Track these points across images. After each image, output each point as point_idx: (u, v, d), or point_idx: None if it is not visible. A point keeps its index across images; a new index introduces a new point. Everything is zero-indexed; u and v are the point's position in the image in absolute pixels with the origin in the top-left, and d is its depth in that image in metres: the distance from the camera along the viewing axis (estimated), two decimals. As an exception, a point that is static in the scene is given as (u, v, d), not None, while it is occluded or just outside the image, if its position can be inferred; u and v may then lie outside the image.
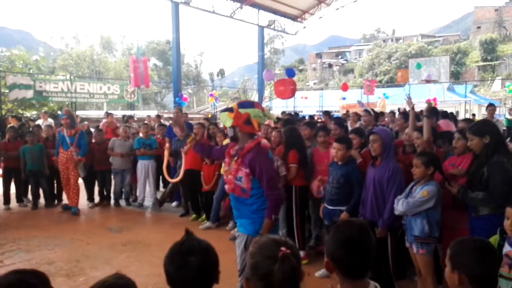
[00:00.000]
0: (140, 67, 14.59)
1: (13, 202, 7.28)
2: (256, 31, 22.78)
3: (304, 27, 25.06)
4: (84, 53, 34.92)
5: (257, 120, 2.77)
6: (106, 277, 1.45)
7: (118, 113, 15.97)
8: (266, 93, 26.10)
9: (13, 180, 7.24)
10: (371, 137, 3.57)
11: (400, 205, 3.17)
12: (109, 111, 11.89)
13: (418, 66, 25.53)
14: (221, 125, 5.76)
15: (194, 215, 6.37)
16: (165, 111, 25.53)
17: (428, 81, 23.54)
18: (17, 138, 7.36)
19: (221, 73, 57.07)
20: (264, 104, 20.33)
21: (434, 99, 17.54)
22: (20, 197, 7.38)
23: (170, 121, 9.81)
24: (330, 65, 61.79)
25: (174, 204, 7.22)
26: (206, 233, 5.54)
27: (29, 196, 7.37)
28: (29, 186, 7.30)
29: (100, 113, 19.20)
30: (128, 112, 15.35)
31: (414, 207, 3.09)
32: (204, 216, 6.16)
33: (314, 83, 56.72)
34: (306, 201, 4.63)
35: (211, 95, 20.26)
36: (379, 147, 3.49)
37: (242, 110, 2.77)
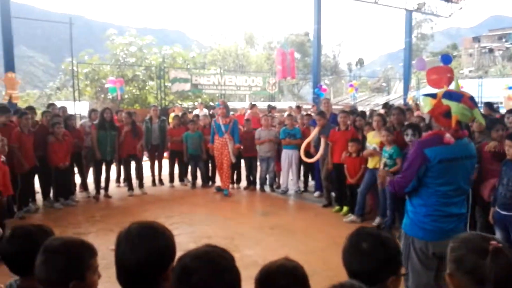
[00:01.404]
0: (287, 59, 15.16)
1: (176, 181, 8.47)
2: (403, 16, 21.33)
3: (460, 8, 22.43)
4: (229, 49, 37.79)
5: (457, 117, 2.44)
6: (276, 260, 1.52)
7: (260, 104, 16.96)
8: (413, 82, 24.31)
9: (176, 162, 8.42)
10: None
11: None
12: (252, 102, 12.74)
13: None
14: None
15: (337, 207, 6.43)
16: (304, 102, 26.00)
17: None
18: (180, 125, 8.48)
19: (360, 62, 55.29)
20: (410, 94, 18.98)
21: None
22: (182, 177, 8.52)
23: (311, 111, 10.02)
24: (490, 50, 54.09)
25: (316, 194, 7.40)
26: (351, 227, 5.54)
27: (189, 176, 8.47)
28: (189, 168, 8.40)
29: (243, 105, 20.71)
30: (271, 103, 16.14)
31: None
32: (346, 208, 6.17)
33: (470, 71, 50.44)
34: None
35: (351, 85, 19.84)
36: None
37: (444, 101, 2.47)
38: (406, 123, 5.44)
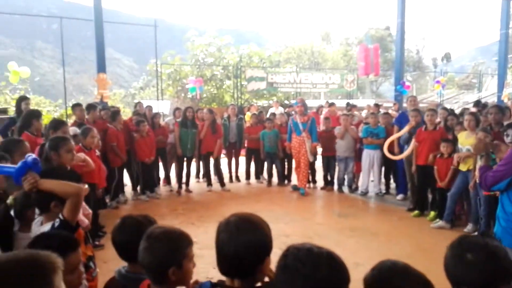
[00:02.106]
0: (371, 55, 14.73)
1: (252, 178, 8.65)
2: (498, 5, 19.51)
3: None
4: (304, 46, 37.61)
5: None
6: (384, 260, 1.49)
7: (337, 102, 16.66)
8: (508, 78, 22.18)
9: (253, 159, 8.60)
10: None
11: None
12: (329, 100, 12.56)
13: None
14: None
15: (416, 211, 6.11)
16: (384, 100, 25.01)
17: None
18: (258, 123, 8.64)
19: (447, 57, 51.67)
20: (506, 92, 17.32)
21: None
22: (258, 174, 8.69)
23: (392, 110, 9.61)
24: None
25: (399, 197, 7.09)
26: (439, 233, 5.24)
27: (265, 174, 8.60)
28: (265, 166, 8.52)
29: (317, 103, 20.49)
30: (350, 101, 15.78)
31: None
32: (433, 213, 5.83)
33: None
34: None
35: (437, 82, 18.65)
36: None
37: None
38: (505, 123, 5.00)
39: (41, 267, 1.03)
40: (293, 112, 10.55)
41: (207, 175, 8.07)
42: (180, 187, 7.77)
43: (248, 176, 8.59)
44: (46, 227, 2.09)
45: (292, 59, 31.87)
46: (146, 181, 7.29)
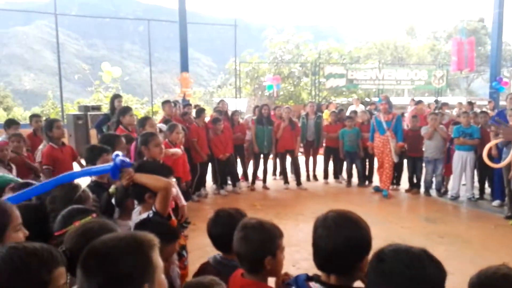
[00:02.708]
0: (465, 49, 13.74)
1: (330, 178, 8.54)
2: None
3: None
4: (387, 41, 36.15)
5: None
6: (494, 266, 1.45)
7: (424, 99, 15.78)
8: None
9: (331, 158, 8.49)
10: None
11: None
12: (415, 98, 11.95)
13: None
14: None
15: None
16: (477, 97, 23.17)
17: None
18: (337, 121, 8.51)
19: (553, 50, 46.11)
20: None
21: None
22: (337, 174, 8.56)
23: (487, 108, 8.86)
24: None
25: (495, 203, 6.52)
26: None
27: (344, 174, 8.45)
28: (344, 165, 8.36)
29: (401, 100, 19.56)
30: (438, 99, 14.86)
31: None
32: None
33: None
34: None
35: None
36: None
37: None
38: None
39: (140, 244, 1.15)
40: (374, 111, 10.25)
41: (283, 172, 8.13)
42: (253, 183, 7.92)
43: (326, 175, 8.50)
44: (144, 216, 2.27)
45: (373, 55, 30.79)
46: (224, 176, 7.55)
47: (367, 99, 17.54)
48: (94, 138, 8.80)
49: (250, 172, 8.12)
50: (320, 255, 1.47)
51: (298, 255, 4.51)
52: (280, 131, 7.78)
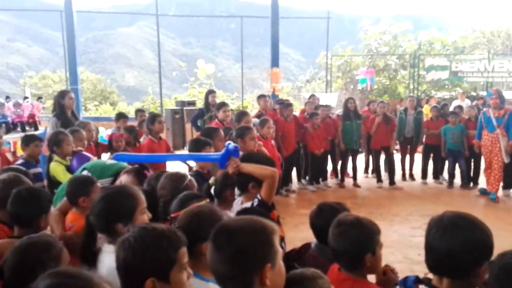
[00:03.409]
0: None
1: (429, 178, 8.06)
2: None
3: None
4: (498, 29, 32.78)
5: None
6: None
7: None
8: None
9: (431, 157, 8.00)
10: None
11: None
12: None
13: None
14: None
15: None
16: None
17: None
18: (439, 117, 7.99)
19: None
20: None
21: None
22: (437, 174, 8.05)
23: None
24: None
25: None
26: None
27: (445, 174, 7.92)
28: (446, 165, 7.84)
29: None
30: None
31: None
32: None
33: None
34: None
35: None
36: None
37: None
38: None
39: (264, 227, 1.27)
40: (481, 106, 9.41)
41: (377, 170, 7.89)
42: (342, 180, 7.82)
43: (424, 175, 8.05)
44: (247, 205, 2.38)
45: (480, 45, 28.18)
46: (315, 172, 7.55)
47: (474, 93, 16.12)
48: (189, 131, 9.41)
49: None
50: (433, 257, 1.45)
51: (392, 257, 4.43)
52: (374, 126, 7.56)
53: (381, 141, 7.62)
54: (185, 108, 12.04)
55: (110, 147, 5.12)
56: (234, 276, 1.21)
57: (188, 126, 10.04)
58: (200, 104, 11.87)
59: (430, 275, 1.50)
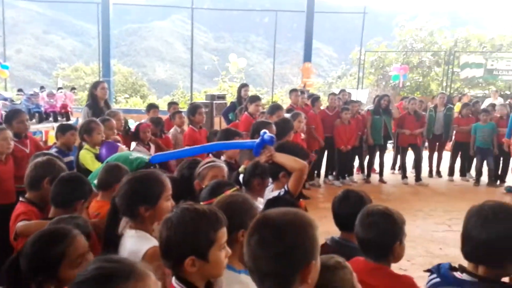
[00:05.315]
0: None
1: (456, 175, 8.14)
2: None
3: None
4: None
5: None
6: None
7: None
8: None
9: (460, 154, 8.07)
10: None
11: None
12: None
13: None
14: None
15: None
16: None
17: None
18: (469, 114, 8.02)
19: None
20: None
21: None
22: (464, 171, 8.12)
23: None
24: None
25: None
26: None
27: (472, 171, 7.97)
28: (474, 162, 7.91)
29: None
30: None
31: None
32: None
33: None
34: None
35: None
36: None
37: None
38: None
39: (308, 223, 1.25)
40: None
41: (403, 167, 8.00)
42: (369, 175, 7.94)
43: (451, 172, 8.14)
44: (275, 193, 2.53)
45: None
46: (342, 167, 7.73)
47: (508, 92, 15.76)
48: (217, 124, 9.66)
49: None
50: (470, 245, 1.47)
51: (413, 251, 4.55)
52: (404, 123, 7.68)
53: (409, 139, 7.74)
54: (214, 102, 12.30)
55: (137, 136, 5.20)
56: (276, 273, 1.16)
57: (216, 119, 10.31)
58: (230, 98, 12.14)
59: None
